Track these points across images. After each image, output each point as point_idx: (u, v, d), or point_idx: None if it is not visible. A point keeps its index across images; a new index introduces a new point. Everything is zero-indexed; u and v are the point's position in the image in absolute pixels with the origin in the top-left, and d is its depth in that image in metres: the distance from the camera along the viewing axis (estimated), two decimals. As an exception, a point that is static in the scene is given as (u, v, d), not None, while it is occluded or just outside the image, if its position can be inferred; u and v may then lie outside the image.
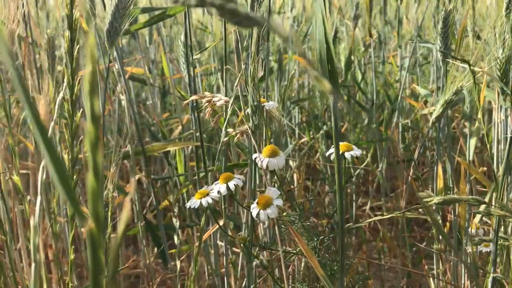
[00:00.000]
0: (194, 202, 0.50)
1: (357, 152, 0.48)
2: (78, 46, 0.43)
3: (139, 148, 0.82)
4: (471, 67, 0.69)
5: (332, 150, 0.48)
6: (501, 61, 0.70)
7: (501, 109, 0.83)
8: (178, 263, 0.74)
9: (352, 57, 1.36)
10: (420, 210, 0.88)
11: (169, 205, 0.83)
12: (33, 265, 0.38)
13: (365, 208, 1.25)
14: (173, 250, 0.84)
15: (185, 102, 0.56)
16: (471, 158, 0.78)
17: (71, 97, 0.43)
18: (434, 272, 0.94)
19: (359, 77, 1.37)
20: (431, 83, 1.48)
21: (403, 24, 1.64)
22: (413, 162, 0.99)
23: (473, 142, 0.78)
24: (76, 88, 0.43)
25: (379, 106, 1.39)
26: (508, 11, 0.78)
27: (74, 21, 0.43)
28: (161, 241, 0.78)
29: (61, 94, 0.46)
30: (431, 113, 1.04)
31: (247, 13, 0.21)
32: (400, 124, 1.20)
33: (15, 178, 0.49)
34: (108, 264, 0.13)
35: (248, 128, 0.53)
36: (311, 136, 1.11)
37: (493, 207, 0.48)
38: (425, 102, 1.09)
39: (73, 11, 0.43)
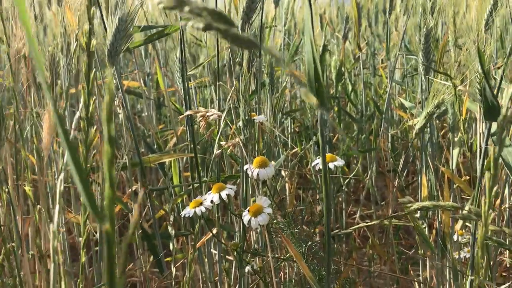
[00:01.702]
0: (188, 211, 0.53)
1: (340, 162, 0.52)
2: (94, 70, 0.47)
3: (135, 159, 0.85)
4: (453, 81, 0.73)
5: (317, 161, 0.52)
6: (480, 75, 0.74)
7: (483, 120, 0.87)
8: (173, 269, 0.77)
9: (343, 69, 1.39)
10: (407, 217, 0.92)
11: (164, 214, 0.86)
12: (52, 265, 0.40)
13: (355, 216, 1.28)
14: (168, 258, 0.87)
15: (181, 117, 0.59)
16: (454, 167, 0.81)
17: (86, 115, 0.46)
18: (421, 278, 0.97)
19: (350, 88, 1.41)
20: (419, 93, 1.52)
21: (392, 35, 1.68)
22: (398, 171, 1.03)
23: (456, 152, 0.82)
24: (91, 107, 0.47)
25: (369, 117, 1.43)
26: (487, 27, 0.82)
27: (91, 47, 0.46)
28: (158, 250, 0.81)
29: (77, 114, 0.50)
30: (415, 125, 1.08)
31: (247, 36, 0.24)
32: (389, 134, 1.24)
33: (27, 188, 0.52)
34: (119, 259, 0.16)
35: (240, 141, 0.56)
36: (302, 147, 1.14)
37: (466, 211, 0.51)
38: (412, 114, 1.13)
39: (91, 38, 0.46)
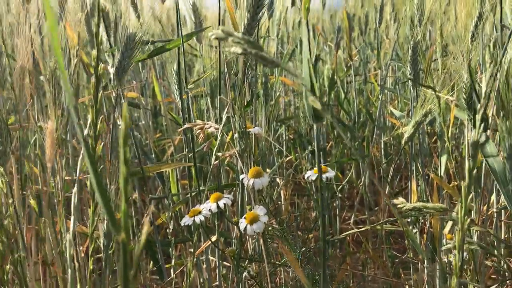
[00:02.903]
0: (188, 220, 0.56)
1: (330, 174, 0.54)
2: (101, 91, 0.49)
3: (135, 169, 0.88)
4: (436, 93, 0.76)
5: (309, 173, 0.55)
6: (466, 86, 0.77)
7: (471, 127, 0.90)
8: (172, 274, 0.79)
9: (335, 77, 1.43)
10: (398, 222, 0.94)
11: (162, 222, 0.88)
12: (69, 271, 0.43)
13: (350, 221, 1.31)
14: (168, 265, 0.89)
15: (180, 129, 0.62)
16: (443, 174, 0.84)
17: (94, 133, 0.49)
18: (412, 281, 1.00)
19: (342, 96, 1.44)
20: (411, 101, 1.55)
21: (384, 44, 1.72)
22: (388, 180, 1.06)
23: (444, 159, 0.85)
24: (98, 126, 0.49)
25: (362, 124, 1.46)
26: (473, 39, 0.86)
27: (99, 70, 0.49)
28: (158, 256, 0.83)
29: (86, 131, 0.52)
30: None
31: (272, 58, 0.30)
32: (382, 141, 1.27)
33: (32, 201, 0.54)
34: (133, 263, 0.19)
35: (236, 152, 0.59)
36: (296, 154, 1.17)
37: (454, 213, 0.54)
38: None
39: (99, 63, 0.49)
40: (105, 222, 0.62)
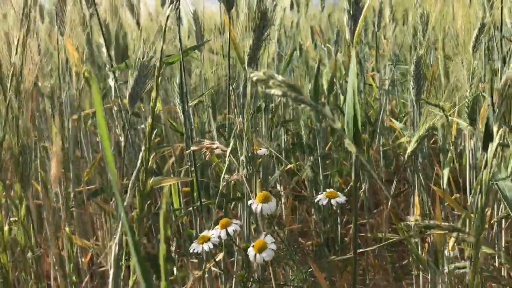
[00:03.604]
0: (197, 247, 0.56)
1: (341, 199, 0.54)
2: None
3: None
4: (440, 107, 0.76)
5: (320, 196, 0.55)
6: (469, 100, 0.77)
7: (471, 137, 0.90)
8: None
9: (334, 80, 1.42)
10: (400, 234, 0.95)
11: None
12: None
13: (350, 226, 1.32)
14: (171, 277, 0.90)
15: (187, 151, 0.62)
16: (445, 186, 0.85)
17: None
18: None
19: (342, 99, 1.44)
20: (409, 103, 1.55)
21: (382, 45, 1.72)
22: (387, 192, 1.06)
23: (446, 171, 0.85)
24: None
25: (362, 127, 1.46)
26: (475, 50, 0.86)
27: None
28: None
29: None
30: (408, 142, 1.11)
31: (309, 101, 0.31)
32: (380, 147, 1.27)
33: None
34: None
35: (243, 176, 0.59)
36: (298, 163, 1.17)
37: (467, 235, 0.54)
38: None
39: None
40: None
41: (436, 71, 0.80)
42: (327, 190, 0.55)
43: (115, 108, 0.87)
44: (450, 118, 0.77)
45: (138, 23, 1.07)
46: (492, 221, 0.95)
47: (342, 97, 1.50)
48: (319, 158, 1.10)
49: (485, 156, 0.60)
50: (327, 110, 0.36)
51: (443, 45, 0.83)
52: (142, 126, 1.39)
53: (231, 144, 0.59)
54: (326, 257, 1.12)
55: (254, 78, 0.32)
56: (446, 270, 0.86)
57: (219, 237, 0.55)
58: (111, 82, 0.86)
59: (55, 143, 0.63)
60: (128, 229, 0.22)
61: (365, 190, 1.30)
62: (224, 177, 0.59)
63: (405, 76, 1.69)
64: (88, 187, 0.92)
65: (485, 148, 0.55)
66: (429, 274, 0.87)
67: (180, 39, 0.74)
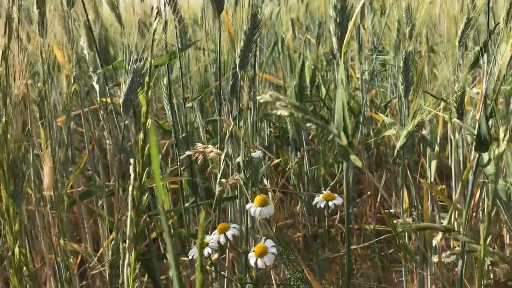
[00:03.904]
0: (195, 252, 0.56)
1: (338, 201, 0.55)
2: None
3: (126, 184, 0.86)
4: (432, 107, 0.77)
5: (317, 199, 0.55)
6: (457, 94, 0.79)
7: (458, 131, 0.92)
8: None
9: (317, 72, 1.43)
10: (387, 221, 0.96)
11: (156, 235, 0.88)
12: None
13: (335, 217, 1.33)
14: (163, 277, 0.89)
15: (182, 156, 0.61)
16: (432, 179, 0.86)
17: None
18: (403, 277, 1.03)
19: (323, 92, 1.45)
20: (389, 92, 1.57)
21: (361, 35, 1.72)
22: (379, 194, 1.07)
23: (433, 164, 0.87)
24: None
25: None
26: (460, 44, 0.87)
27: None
28: (154, 270, 0.83)
29: None
30: (394, 135, 1.12)
31: (316, 120, 0.32)
32: (362, 135, 1.29)
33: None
34: None
35: (240, 179, 0.59)
36: (284, 157, 1.17)
37: (459, 234, 0.56)
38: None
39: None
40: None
41: (424, 67, 0.81)
42: (324, 192, 0.56)
43: (101, 112, 0.86)
44: (437, 112, 0.79)
45: (119, 19, 1.05)
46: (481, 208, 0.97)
47: (323, 89, 1.51)
48: (305, 151, 1.11)
49: (478, 156, 0.61)
50: (333, 129, 0.36)
51: (427, 39, 0.84)
52: (127, 122, 1.38)
53: (226, 148, 0.59)
54: (315, 250, 1.14)
55: (261, 101, 0.32)
56: (435, 261, 0.88)
57: (218, 242, 0.55)
58: (95, 84, 0.84)
59: (46, 152, 0.62)
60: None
61: (348, 180, 1.31)
62: (220, 181, 0.59)
63: (385, 66, 1.71)
64: (78, 189, 0.91)
65: (477, 149, 0.56)
66: (417, 265, 0.88)
67: (166, 41, 0.73)
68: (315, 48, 1.39)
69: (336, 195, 0.56)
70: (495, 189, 0.41)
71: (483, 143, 0.55)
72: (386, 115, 1.40)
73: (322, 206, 0.54)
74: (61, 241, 0.61)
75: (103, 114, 0.85)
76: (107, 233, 0.81)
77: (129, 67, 0.55)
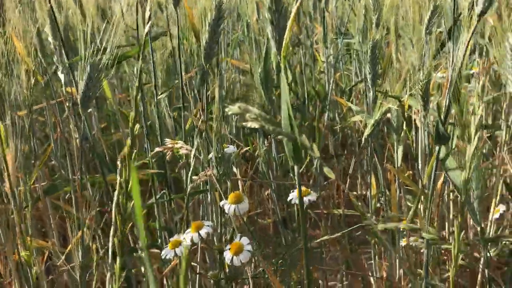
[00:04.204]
0: (169, 252, 0.55)
1: (313, 197, 0.55)
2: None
3: (95, 178, 0.85)
4: (395, 97, 0.78)
5: (293, 195, 0.55)
6: (422, 82, 0.80)
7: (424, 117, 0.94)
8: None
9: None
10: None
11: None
12: None
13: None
14: (136, 269, 0.88)
15: (153, 153, 0.60)
16: (399, 165, 0.88)
17: None
18: (372, 259, 1.05)
19: (290, 77, 1.45)
20: (353, 76, 1.58)
21: (325, 18, 1.72)
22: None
23: (400, 150, 0.88)
24: None
25: (311, 100, 1.47)
26: (427, 31, 0.88)
27: None
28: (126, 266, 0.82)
29: None
30: (360, 121, 1.14)
31: (287, 132, 0.31)
32: (327, 119, 1.30)
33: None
34: None
35: (212, 175, 0.58)
36: (254, 145, 1.17)
37: (425, 233, 0.57)
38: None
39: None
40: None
41: (391, 56, 0.82)
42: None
43: (67, 104, 0.83)
44: (403, 100, 0.80)
45: (80, 7, 1.02)
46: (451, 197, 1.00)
47: (289, 74, 1.50)
48: (272, 138, 1.11)
49: (437, 149, 0.62)
50: (305, 141, 0.35)
51: (396, 27, 0.85)
52: (90, 110, 1.34)
53: (195, 145, 0.58)
54: (283, 236, 1.15)
55: (230, 113, 0.31)
56: (402, 244, 0.91)
57: (192, 240, 0.55)
58: (60, 75, 0.81)
59: (8, 153, 0.59)
60: None
61: (316, 166, 1.32)
62: (191, 177, 0.58)
63: (349, 50, 1.72)
64: (42, 184, 0.88)
65: (437, 142, 0.57)
66: (386, 249, 0.91)
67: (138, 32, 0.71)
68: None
69: (311, 191, 0.56)
70: (464, 202, 0.42)
71: (441, 137, 0.56)
72: (352, 100, 1.41)
73: (298, 202, 0.54)
74: (27, 240, 0.60)
75: (69, 106, 0.82)
76: (76, 229, 0.80)
77: (86, 62, 0.53)
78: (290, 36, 0.48)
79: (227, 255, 0.53)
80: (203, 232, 0.55)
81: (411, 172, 0.98)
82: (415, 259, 0.90)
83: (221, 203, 0.56)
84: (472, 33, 0.50)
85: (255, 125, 0.31)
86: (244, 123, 0.31)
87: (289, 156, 0.37)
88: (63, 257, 0.76)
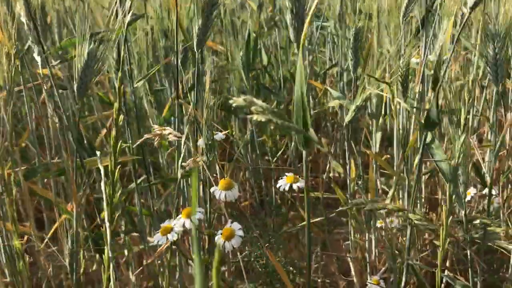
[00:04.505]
0: (160, 238, 0.55)
1: (301, 184, 0.56)
2: None
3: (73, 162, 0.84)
4: (384, 82, 0.79)
5: (281, 182, 0.56)
6: (402, 69, 0.82)
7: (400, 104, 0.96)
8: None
9: (259, 40, 1.42)
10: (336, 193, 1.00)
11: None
12: None
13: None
14: (118, 253, 0.88)
15: (140, 140, 0.60)
16: (377, 149, 0.90)
17: None
18: (348, 240, 1.08)
19: (265, 60, 1.45)
20: (327, 59, 1.59)
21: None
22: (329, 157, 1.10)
23: (378, 135, 0.91)
24: None
25: (285, 82, 1.48)
26: (405, 18, 0.89)
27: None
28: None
29: None
30: (339, 107, 1.15)
31: (294, 126, 0.31)
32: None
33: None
34: None
35: (202, 162, 0.58)
36: (233, 129, 1.17)
37: (411, 215, 0.59)
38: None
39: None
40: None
41: (372, 43, 0.83)
42: (287, 175, 0.57)
43: (45, 87, 0.81)
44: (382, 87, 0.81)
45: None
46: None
47: (265, 57, 1.51)
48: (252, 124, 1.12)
49: (424, 135, 0.64)
50: (313, 135, 0.36)
51: (378, 14, 0.86)
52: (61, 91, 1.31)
53: (185, 132, 0.58)
54: (262, 217, 1.16)
55: (234, 105, 0.31)
56: (378, 226, 0.94)
57: (183, 226, 0.55)
58: (37, 57, 0.79)
59: None
60: None
61: (292, 150, 1.34)
62: (181, 164, 0.59)
63: (323, 34, 1.73)
64: (17, 169, 0.87)
65: (426, 127, 0.59)
66: (364, 231, 0.93)
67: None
68: (257, 15, 1.38)
69: (299, 178, 0.57)
70: (451, 195, 0.44)
71: (431, 123, 0.58)
72: (325, 84, 1.43)
73: (287, 189, 0.55)
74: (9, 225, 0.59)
75: (47, 89, 0.80)
76: (57, 217, 0.79)
77: (82, 48, 0.52)
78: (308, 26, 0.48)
79: (219, 240, 0.54)
80: (195, 218, 0.55)
81: (388, 156, 1.01)
82: (393, 241, 0.94)
83: (212, 189, 0.57)
84: (463, 24, 0.52)
85: (262, 118, 0.31)
86: (249, 116, 0.31)
87: (299, 143, 0.38)
88: (44, 242, 0.76)
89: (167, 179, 0.76)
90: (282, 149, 1.22)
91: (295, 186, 0.56)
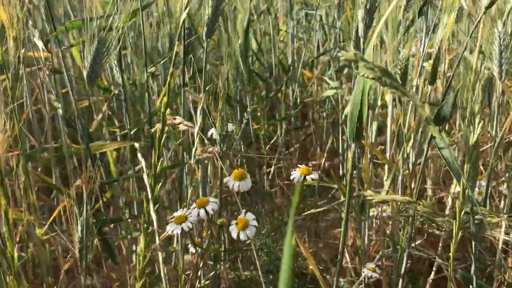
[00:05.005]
0: (175, 227, 0.56)
1: (314, 176, 0.58)
2: None
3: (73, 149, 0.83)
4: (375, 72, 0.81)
5: (295, 173, 0.58)
6: (401, 62, 0.83)
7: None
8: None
9: (250, 28, 1.42)
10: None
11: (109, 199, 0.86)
12: None
13: (269, 170, 1.37)
14: (118, 238, 0.88)
15: (153, 129, 0.60)
16: (373, 140, 0.92)
17: None
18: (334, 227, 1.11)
19: (255, 46, 1.45)
20: (315, 48, 1.60)
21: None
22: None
23: (374, 126, 0.93)
24: None
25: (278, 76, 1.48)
26: (405, 12, 0.91)
27: None
28: (106, 233, 0.82)
29: None
30: (333, 95, 1.17)
31: (403, 89, 0.31)
32: (291, 91, 1.33)
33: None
34: None
35: (215, 153, 0.59)
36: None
37: (420, 205, 0.61)
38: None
39: None
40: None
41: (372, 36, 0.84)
42: (299, 167, 0.58)
43: (47, 72, 0.80)
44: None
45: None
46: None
47: (254, 43, 1.51)
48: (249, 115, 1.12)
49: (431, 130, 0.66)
50: (417, 100, 0.37)
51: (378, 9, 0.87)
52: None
53: (199, 123, 0.59)
54: (253, 202, 1.18)
55: (342, 58, 0.32)
56: (371, 214, 0.96)
57: (198, 216, 0.56)
58: (37, 41, 0.78)
59: None
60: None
61: (282, 137, 1.35)
62: (194, 154, 0.59)
63: (310, 22, 1.73)
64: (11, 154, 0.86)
65: (436, 122, 0.60)
66: (356, 219, 0.96)
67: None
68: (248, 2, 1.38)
69: (312, 171, 0.58)
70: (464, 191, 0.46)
71: (441, 119, 0.59)
72: (312, 69, 1.44)
73: (301, 180, 0.56)
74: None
75: (48, 74, 0.79)
76: (56, 202, 0.79)
77: (92, 36, 0.52)
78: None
79: (233, 230, 0.55)
80: (209, 208, 0.56)
81: (382, 146, 1.03)
82: (384, 229, 0.96)
83: (225, 180, 0.58)
84: (477, 23, 0.53)
85: (371, 75, 0.32)
86: (356, 71, 0.33)
87: (349, 134, 0.39)
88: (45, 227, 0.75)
89: (169, 166, 0.77)
90: (274, 139, 1.23)
91: (309, 178, 0.58)
